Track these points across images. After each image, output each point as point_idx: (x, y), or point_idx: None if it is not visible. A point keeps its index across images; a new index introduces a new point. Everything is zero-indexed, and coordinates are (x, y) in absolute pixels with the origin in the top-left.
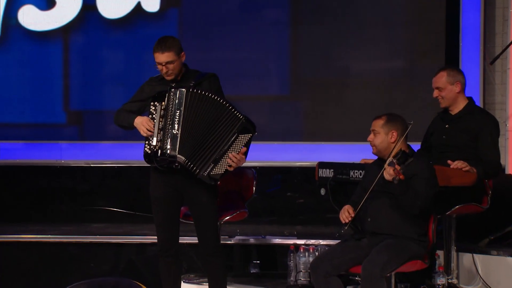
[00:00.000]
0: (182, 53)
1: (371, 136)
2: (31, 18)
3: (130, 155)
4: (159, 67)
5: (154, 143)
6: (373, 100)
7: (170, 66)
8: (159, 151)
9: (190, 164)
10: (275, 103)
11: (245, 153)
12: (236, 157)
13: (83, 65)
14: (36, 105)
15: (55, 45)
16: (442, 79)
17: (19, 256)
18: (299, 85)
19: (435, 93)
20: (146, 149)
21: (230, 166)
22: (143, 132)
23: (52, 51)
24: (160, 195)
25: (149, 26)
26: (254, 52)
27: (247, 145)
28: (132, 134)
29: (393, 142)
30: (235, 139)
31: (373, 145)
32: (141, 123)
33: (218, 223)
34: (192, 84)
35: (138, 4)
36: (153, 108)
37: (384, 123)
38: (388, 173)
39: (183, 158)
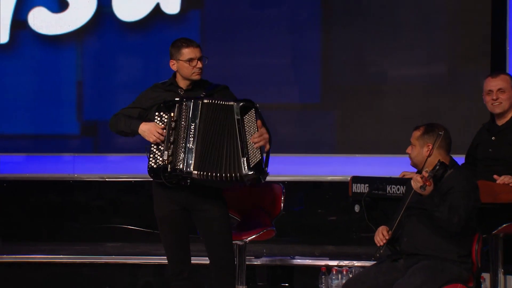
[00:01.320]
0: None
1: (409, 148)
2: (42, 21)
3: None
4: (189, 64)
5: (165, 157)
6: (411, 109)
7: (201, 62)
8: (169, 166)
9: (206, 173)
10: (304, 112)
11: (264, 125)
12: (257, 134)
13: (97, 71)
14: (47, 115)
15: (67, 50)
16: (506, 81)
17: (29, 278)
18: (330, 93)
19: (494, 94)
20: (151, 163)
21: (259, 148)
22: (154, 138)
23: (65, 57)
24: (167, 214)
25: (168, 29)
26: (281, 57)
27: (259, 117)
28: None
29: (428, 156)
30: (242, 124)
31: (410, 158)
32: (149, 129)
33: (243, 242)
34: (202, 95)
35: (157, 6)
36: (158, 118)
37: (420, 135)
38: (416, 180)
39: (197, 172)
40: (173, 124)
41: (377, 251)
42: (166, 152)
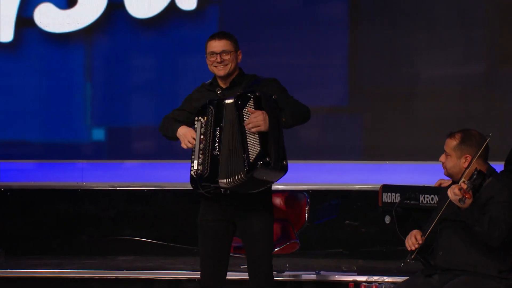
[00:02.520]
0: (239, 51)
1: (442, 157)
2: (49, 18)
3: (162, 177)
4: (212, 59)
5: (195, 167)
6: (446, 112)
7: (226, 57)
8: (202, 176)
9: (231, 179)
10: (331, 115)
11: (266, 110)
12: (249, 119)
13: (108, 72)
14: (54, 119)
15: (76, 49)
16: None
17: None
18: (359, 95)
19: None
20: (192, 172)
21: (257, 137)
22: (184, 145)
23: (73, 56)
24: (209, 223)
25: (184, 26)
26: (306, 56)
27: (259, 106)
28: (166, 152)
29: (466, 168)
30: (241, 118)
31: (444, 167)
32: (184, 134)
33: None
34: (238, 93)
35: (172, 2)
36: (196, 123)
37: (457, 144)
38: (453, 191)
39: (224, 181)
40: (203, 129)
41: (408, 256)
42: (196, 161)
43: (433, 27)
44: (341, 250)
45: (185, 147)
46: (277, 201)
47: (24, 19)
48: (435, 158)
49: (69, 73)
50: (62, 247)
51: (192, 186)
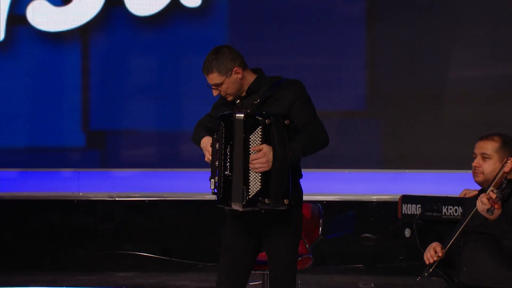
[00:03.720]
0: (235, 69)
1: (478, 161)
2: (43, 16)
3: (164, 186)
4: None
5: (212, 186)
6: (472, 116)
7: (221, 88)
8: (216, 197)
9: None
10: (348, 120)
11: (274, 142)
12: (252, 159)
13: (106, 73)
14: (48, 124)
15: (72, 49)
16: None
17: None
18: (378, 98)
19: None
20: (212, 190)
21: (259, 175)
22: (207, 157)
23: (68, 57)
24: (232, 239)
25: (189, 25)
26: (319, 57)
27: (267, 138)
28: (169, 159)
29: (506, 172)
30: (247, 144)
31: (479, 173)
32: (205, 147)
33: None
34: (256, 102)
35: None
36: (213, 138)
37: (499, 146)
38: (481, 201)
39: (239, 205)
40: (217, 145)
41: (426, 270)
42: (212, 180)
43: (457, 25)
44: (358, 265)
45: (206, 159)
46: None
47: (16, 17)
48: (459, 166)
49: (64, 75)
50: (56, 262)
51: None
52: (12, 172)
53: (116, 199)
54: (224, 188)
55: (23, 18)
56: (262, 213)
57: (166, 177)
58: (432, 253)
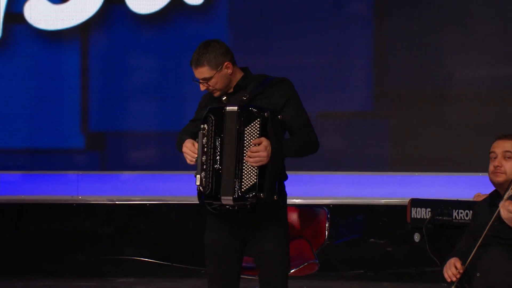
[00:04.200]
0: (225, 63)
1: (500, 160)
2: (41, 14)
3: (166, 189)
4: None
5: (198, 182)
6: (482, 117)
7: (210, 82)
8: (203, 192)
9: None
10: (354, 121)
11: (270, 142)
12: (251, 151)
13: (106, 73)
14: (46, 125)
15: (71, 48)
16: None
17: None
18: (386, 99)
19: None
20: (198, 187)
21: (253, 164)
22: (189, 159)
23: (67, 56)
24: (215, 241)
25: (190, 23)
26: (326, 56)
27: (264, 131)
28: (170, 161)
29: None
30: (242, 136)
31: (501, 173)
32: (185, 152)
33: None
34: (245, 98)
35: None
36: (201, 132)
37: None
38: (507, 209)
39: (230, 198)
40: (204, 140)
41: None
42: (198, 176)
43: (467, 23)
44: (365, 271)
45: (189, 162)
46: (294, 216)
47: (13, 15)
48: (470, 168)
49: (63, 75)
50: (55, 268)
51: (199, 203)
52: (9, 174)
53: (117, 202)
54: (213, 182)
55: (21, 16)
56: (248, 213)
57: (168, 180)
58: (454, 271)
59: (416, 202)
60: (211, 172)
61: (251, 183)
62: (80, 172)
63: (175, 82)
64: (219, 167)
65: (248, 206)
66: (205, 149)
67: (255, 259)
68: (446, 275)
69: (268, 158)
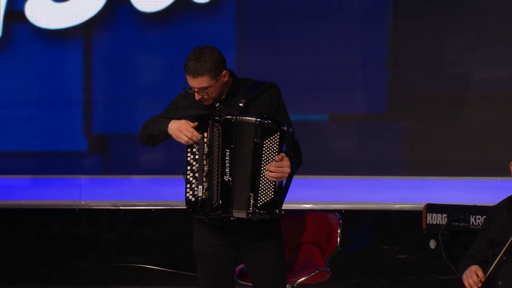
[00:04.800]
0: (224, 72)
1: None
2: (42, 12)
3: (172, 195)
4: (191, 90)
5: (200, 193)
6: (500, 120)
7: (205, 93)
8: (207, 203)
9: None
10: (367, 124)
11: (288, 158)
12: (274, 164)
13: (110, 74)
14: (47, 128)
15: (73, 48)
16: None
17: None
18: (400, 100)
19: None
20: (188, 195)
21: (273, 180)
22: (186, 139)
23: (70, 56)
24: (207, 250)
25: (197, 22)
26: (337, 56)
27: (281, 148)
28: (177, 165)
29: None
30: (260, 150)
31: None
32: (178, 128)
33: (291, 286)
34: (242, 105)
35: None
36: (200, 141)
37: None
38: None
39: (243, 212)
40: (206, 149)
41: None
42: (200, 186)
43: (484, 22)
44: (378, 280)
45: (185, 141)
46: (305, 222)
47: (14, 13)
48: (488, 172)
49: (65, 75)
50: (56, 276)
51: (190, 211)
52: (8, 179)
53: (121, 208)
54: (222, 194)
55: (21, 15)
56: (244, 223)
57: (174, 184)
58: (476, 279)
59: (432, 208)
60: (218, 184)
61: (268, 199)
62: (83, 177)
63: (181, 83)
64: (229, 179)
65: (255, 220)
66: (208, 159)
67: (249, 267)
68: (466, 283)
69: (288, 173)
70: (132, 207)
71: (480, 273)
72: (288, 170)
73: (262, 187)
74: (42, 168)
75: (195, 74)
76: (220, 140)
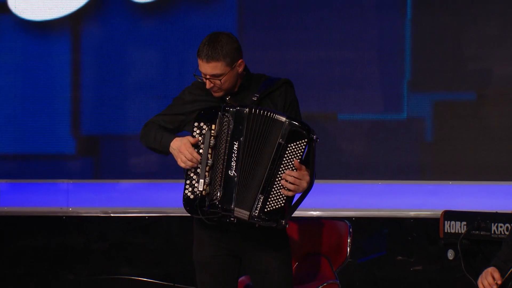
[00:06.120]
0: (239, 61)
1: None
2: (27, 3)
3: (167, 200)
4: (203, 78)
5: (201, 187)
6: None
7: (217, 81)
8: (207, 200)
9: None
10: (380, 124)
11: (309, 167)
12: (291, 175)
13: (100, 69)
14: (32, 128)
15: (60, 41)
16: None
17: None
18: (416, 99)
19: None
20: (187, 192)
21: (288, 190)
22: (182, 161)
23: (56, 50)
24: (208, 259)
25: (195, 13)
26: (349, 50)
27: (307, 156)
28: (172, 169)
29: None
30: (283, 152)
31: None
32: (178, 148)
33: None
34: (255, 99)
35: None
36: (198, 131)
37: None
38: None
39: (246, 212)
40: (212, 141)
41: None
42: (202, 181)
43: (507, 13)
44: None
45: (184, 165)
46: (312, 231)
47: None
48: (511, 177)
49: (51, 71)
50: None
51: (187, 210)
52: None
53: (111, 215)
54: (226, 190)
55: (4, 6)
56: (247, 228)
57: (169, 189)
58: (491, 280)
59: (450, 215)
60: (222, 178)
61: (277, 206)
62: (71, 181)
63: (178, 79)
64: (234, 174)
65: (257, 225)
66: (213, 151)
67: (253, 279)
68: (481, 286)
69: (304, 188)
70: (124, 214)
71: (497, 275)
72: (305, 185)
73: (275, 192)
74: (25, 172)
75: (209, 59)
76: (229, 131)
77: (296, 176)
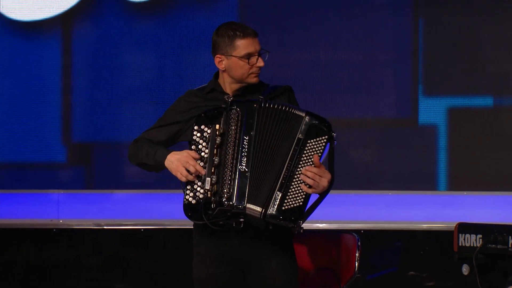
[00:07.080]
0: None
1: None
2: (15, 2)
3: (163, 212)
4: (248, 62)
5: (207, 186)
6: None
7: (261, 60)
8: (214, 200)
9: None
10: (391, 130)
11: (331, 166)
12: (311, 171)
13: (92, 73)
14: (21, 135)
15: (50, 43)
16: None
17: None
18: (430, 103)
19: None
20: (188, 197)
21: (308, 186)
22: (182, 175)
23: (46, 52)
24: (210, 276)
25: (194, 13)
26: (357, 51)
27: (327, 155)
28: (169, 179)
29: None
30: (302, 148)
31: None
32: (178, 160)
33: None
34: (262, 98)
35: None
36: (198, 135)
37: None
38: None
39: (259, 209)
40: (218, 140)
41: None
42: (208, 179)
43: None
44: None
45: (184, 179)
46: (318, 244)
47: None
48: None
49: (41, 74)
50: None
51: (189, 216)
52: None
53: (105, 227)
54: (236, 185)
55: None
56: (250, 239)
57: (166, 200)
58: None
59: (465, 227)
60: (232, 174)
61: (296, 204)
62: (62, 191)
63: (175, 83)
64: (245, 169)
65: (270, 227)
66: (218, 151)
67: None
68: None
69: (324, 188)
70: (118, 227)
71: None
72: (325, 184)
73: (294, 189)
74: (13, 181)
75: (255, 34)
76: (239, 127)
77: (316, 172)
